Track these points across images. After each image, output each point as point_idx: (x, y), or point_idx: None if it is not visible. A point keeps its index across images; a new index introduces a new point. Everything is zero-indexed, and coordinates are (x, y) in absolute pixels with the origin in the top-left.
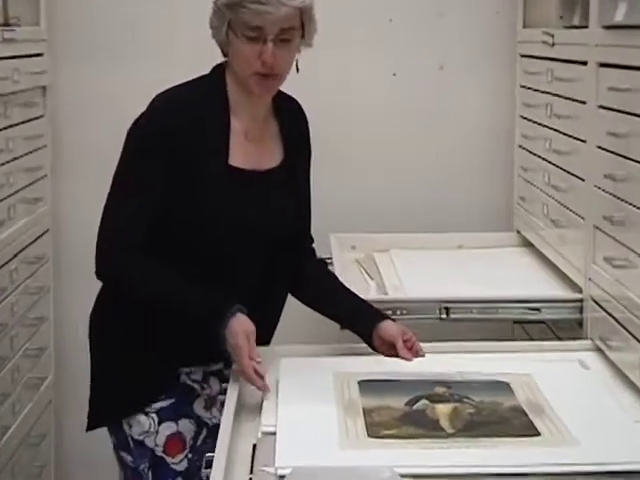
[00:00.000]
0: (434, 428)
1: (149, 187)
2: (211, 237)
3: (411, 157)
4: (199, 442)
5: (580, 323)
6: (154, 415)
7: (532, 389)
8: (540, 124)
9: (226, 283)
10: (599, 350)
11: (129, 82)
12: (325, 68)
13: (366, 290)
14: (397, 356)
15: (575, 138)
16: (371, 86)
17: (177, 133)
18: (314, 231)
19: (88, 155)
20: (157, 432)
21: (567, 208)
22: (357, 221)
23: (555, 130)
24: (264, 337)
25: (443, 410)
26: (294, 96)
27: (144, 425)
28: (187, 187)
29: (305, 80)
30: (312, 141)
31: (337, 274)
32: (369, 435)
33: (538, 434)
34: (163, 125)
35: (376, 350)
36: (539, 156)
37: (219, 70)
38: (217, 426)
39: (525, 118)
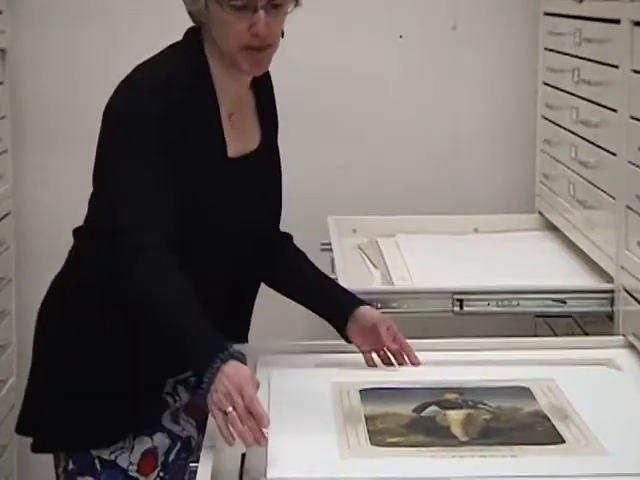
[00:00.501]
0: (445, 436)
1: (164, 170)
2: (202, 233)
3: (420, 130)
4: (171, 457)
5: (611, 317)
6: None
7: (555, 393)
8: (566, 92)
9: (207, 276)
10: (632, 347)
11: (101, 45)
12: (323, 30)
13: (369, 280)
14: (377, 351)
15: (606, 107)
16: (374, 50)
17: (171, 118)
18: (311, 213)
19: (54, 128)
20: (132, 448)
21: (596, 187)
22: (359, 202)
23: (583, 98)
24: (241, 335)
25: (455, 417)
26: (289, 64)
27: (118, 442)
28: (183, 179)
29: (301, 45)
30: (308, 111)
31: (336, 262)
32: (372, 443)
33: (563, 441)
34: (156, 108)
35: (349, 340)
36: (565, 128)
37: (194, 38)
38: (189, 438)
39: (549, 85)
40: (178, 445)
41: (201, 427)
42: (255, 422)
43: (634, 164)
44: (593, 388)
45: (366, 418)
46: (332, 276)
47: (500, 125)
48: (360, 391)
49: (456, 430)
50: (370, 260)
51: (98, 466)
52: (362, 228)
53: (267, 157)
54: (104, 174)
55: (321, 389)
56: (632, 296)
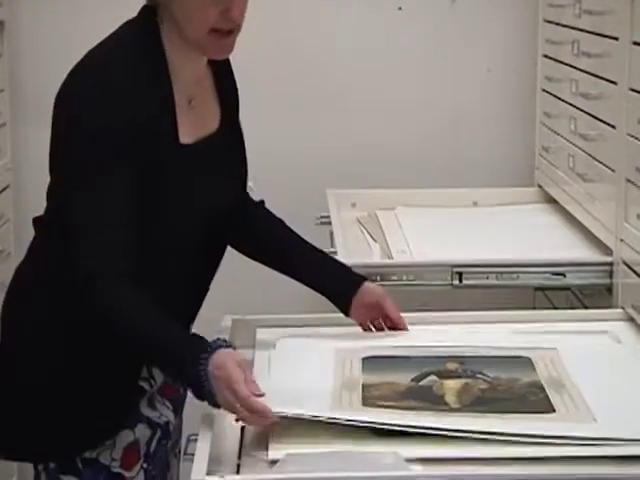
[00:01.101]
0: (437, 402)
1: (125, 182)
2: (168, 229)
3: (419, 103)
4: (153, 447)
5: (610, 289)
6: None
7: (556, 364)
8: (566, 64)
9: (174, 260)
10: (631, 320)
11: (101, 18)
12: (322, 2)
13: (368, 253)
14: (372, 322)
15: (606, 80)
16: (373, 22)
17: (127, 110)
18: (310, 186)
19: (53, 100)
20: (114, 444)
21: (596, 159)
22: (358, 175)
23: (583, 71)
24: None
25: (452, 386)
26: (288, 36)
27: (101, 444)
28: (141, 177)
29: (300, 17)
30: (307, 84)
31: (336, 235)
32: (364, 405)
33: (553, 410)
34: (113, 100)
35: (348, 314)
36: (564, 101)
37: (150, 20)
38: (168, 423)
39: (549, 57)
40: (158, 433)
41: (177, 409)
42: (259, 417)
43: (634, 137)
44: (593, 360)
45: (363, 386)
46: (331, 250)
47: (499, 98)
48: (363, 359)
49: (449, 398)
50: (369, 233)
51: (80, 465)
52: (361, 201)
53: (228, 137)
54: (63, 186)
55: (324, 356)
56: (631, 269)
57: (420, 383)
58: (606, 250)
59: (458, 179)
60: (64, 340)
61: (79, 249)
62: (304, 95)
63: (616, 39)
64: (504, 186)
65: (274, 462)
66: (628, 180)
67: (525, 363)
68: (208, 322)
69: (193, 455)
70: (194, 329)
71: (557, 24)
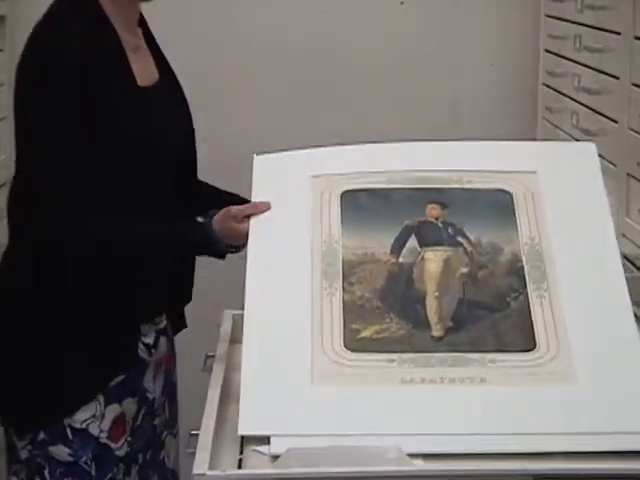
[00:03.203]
0: (420, 325)
1: (84, 132)
2: (142, 171)
3: (420, 97)
4: (138, 421)
5: None
6: (101, 397)
7: (536, 205)
8: (568, 59)
9: (160, 212)
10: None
11: None
12: None
13: None
14: None
15: (608, 74)
16: (375, 16)
17: (84, 68)
18: None
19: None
20: (103, 416)
21: (597, 154)
22: None
23: (585, 65)
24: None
25: (433, 269)
26: (291, 29)
27: (89, 409)
28: (108, 125)
29: (302, 10)
30: (308, 78)
31: None
32: (345, 345)
33: (534, 345)
34: (70, 61)
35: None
36: (566, 95)
37: None
38: (154, 400)
39: (550, 52)
40: (143, 409)
41: (164, 386)
42: None
43: (636, 131)
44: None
45: (344, 274)
46: None
47: (501, 93)
48: (342, 195)
49: (431, 314)
50: None
51: (69, 434)
52: None
53: (172, 88)
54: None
55: (300, 189)
56: (633, 264)
57: (400, 259)
58: None
59: None
60: (52, 293)
61: (52, 199)
62: (304, 89)
63: (618, 34)
64: None
65: (276, 457)
66: (630, 175)
67: (507, 209)
68: (208, 317)
69: (195, 450)
70: (193, 325)
71: (559, 19)
